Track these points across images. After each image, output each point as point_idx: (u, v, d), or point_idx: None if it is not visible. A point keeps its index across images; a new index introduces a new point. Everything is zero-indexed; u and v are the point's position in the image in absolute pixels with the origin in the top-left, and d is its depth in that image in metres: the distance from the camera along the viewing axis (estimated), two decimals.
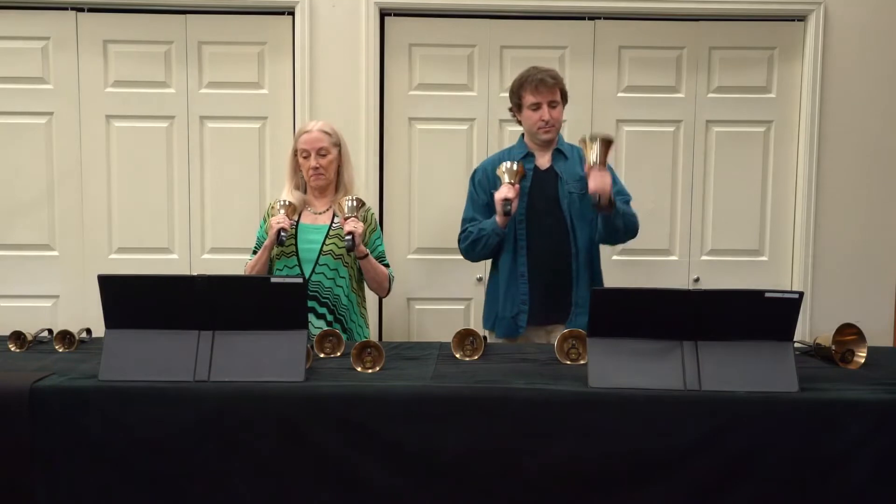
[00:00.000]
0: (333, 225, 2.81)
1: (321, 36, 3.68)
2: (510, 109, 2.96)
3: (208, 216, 3.80)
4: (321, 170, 2.80)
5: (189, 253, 3.82)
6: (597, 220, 2.83)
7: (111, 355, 2.06)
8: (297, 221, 2.83)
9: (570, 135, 3.74)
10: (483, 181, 2.95)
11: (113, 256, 3.81)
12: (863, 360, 2.27)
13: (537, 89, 2.81)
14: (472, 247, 2.92)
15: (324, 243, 2.78)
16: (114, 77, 3.74)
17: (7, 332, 2.51)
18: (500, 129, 3.79)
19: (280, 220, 2.71)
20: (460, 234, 2.97)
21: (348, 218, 2.70)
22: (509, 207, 2.72)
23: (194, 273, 3.65)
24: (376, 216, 2.93)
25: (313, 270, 2.77)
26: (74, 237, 3.79)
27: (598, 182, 2.65)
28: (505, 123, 3.78)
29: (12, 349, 2.44)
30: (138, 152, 3.77)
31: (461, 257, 3.82)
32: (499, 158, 2.94)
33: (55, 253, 3.81)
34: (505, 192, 2.73)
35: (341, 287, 2.80)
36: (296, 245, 2.79)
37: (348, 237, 2.66)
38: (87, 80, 3.73)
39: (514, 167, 2.78)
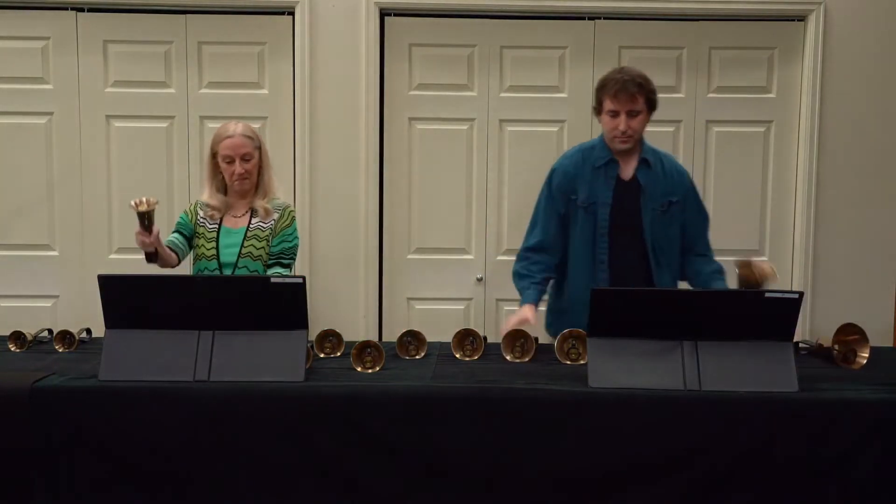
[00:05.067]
0: (251, 226, 2.78)
1: (321, 36, 3.67)
2: (593, 108, 2.72)
3: None
4: (246, 174, 2.75)
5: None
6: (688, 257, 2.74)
7: (111, 355, 2.06)
8: (220, 224, 2.79)
9: (569, 135, 3.75)
10: (563, 185, 2.69)
11: (113, 256, 3.81)
12: (864, 361, 2.27)
13: (616, 96, 2.57)
14: (515, 281, 2.77)
15: (242, 245, 2.75)
16: (114, 77, 3.74)
17: (7, 332, 2.51)
18: (500, 129, 3.79)
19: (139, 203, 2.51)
20: (518, 255, 2.79)
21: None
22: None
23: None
24: (294, 214, 2.88)
25: (233, 273, 2.74)
26: (74, 237, 3.79)
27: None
28: (505, 123, 3.78)
29: (12, 349, 2.44)
30: (138, 152, 3.76)
31: (461, 257, 3.85)
32: (579, 154, 2.73)
33: (55, 253, 3.81)
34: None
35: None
36: (217, 248, 2.77)
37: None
38: (87, 80, 3.73)
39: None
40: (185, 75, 3.74)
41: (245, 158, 2.73)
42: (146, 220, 2.52)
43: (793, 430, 1.94)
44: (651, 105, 2.64)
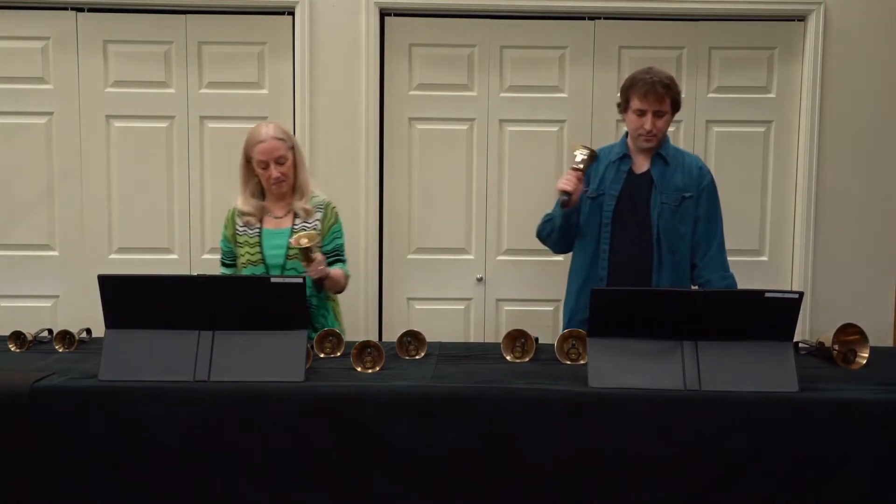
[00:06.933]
0: (295, 227, 2.75)
1: (321, 36, 3.67)
2: (618, 105, 2.79)
3: (208, 216, 3.79)
4: (283, 177, 2.72)
5: (189, 253, 3.81)
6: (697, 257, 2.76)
7: (111, 355, 2.06)
8: (260, 227, 2.77)
9: (569, 135, 3.76)
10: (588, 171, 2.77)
11: (113, 256, 3.81)
12: (864, 361, 2.27)
13: (646, 96, 2.64)
14: (542, 228, 2.83)
15: (289, 246, 2.73)
16: (114, 77, 3.74)
17: (7, 332, 2.51)
18: (500, 129, 3.79)
19: None
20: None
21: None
22: (566, 199, 2.61)
23: (194, 273, 3.65)
24: (336, 209, 2.88)
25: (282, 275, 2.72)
26: (74, 237, 3.79)
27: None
28: (505, 123, 3.78)
29: (12, 349, 2.44)
30: (138, 152, 3.76)
31: (461, 257, 3.85)
32: (599, 151, 2.80)
33: (55, 253, 3.81)
34: (564, 182, 2.62)
35: (309, 287, 2.74)
36: (261, 251, 2.74)
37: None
38: (87, 80, 3.73)
39: (585, 152, 2.64)
40: (185, 75, 3.74)
41: (279, 162, 2.70)
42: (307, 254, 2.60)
43: (793, 430, 1.94)
44: (676, 106, 2.73)
